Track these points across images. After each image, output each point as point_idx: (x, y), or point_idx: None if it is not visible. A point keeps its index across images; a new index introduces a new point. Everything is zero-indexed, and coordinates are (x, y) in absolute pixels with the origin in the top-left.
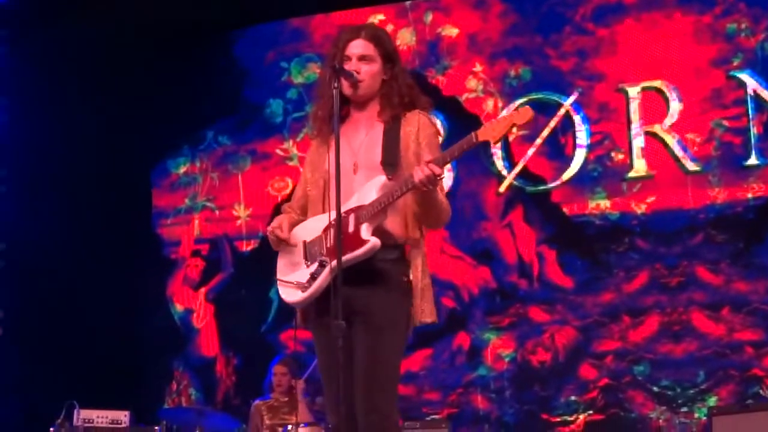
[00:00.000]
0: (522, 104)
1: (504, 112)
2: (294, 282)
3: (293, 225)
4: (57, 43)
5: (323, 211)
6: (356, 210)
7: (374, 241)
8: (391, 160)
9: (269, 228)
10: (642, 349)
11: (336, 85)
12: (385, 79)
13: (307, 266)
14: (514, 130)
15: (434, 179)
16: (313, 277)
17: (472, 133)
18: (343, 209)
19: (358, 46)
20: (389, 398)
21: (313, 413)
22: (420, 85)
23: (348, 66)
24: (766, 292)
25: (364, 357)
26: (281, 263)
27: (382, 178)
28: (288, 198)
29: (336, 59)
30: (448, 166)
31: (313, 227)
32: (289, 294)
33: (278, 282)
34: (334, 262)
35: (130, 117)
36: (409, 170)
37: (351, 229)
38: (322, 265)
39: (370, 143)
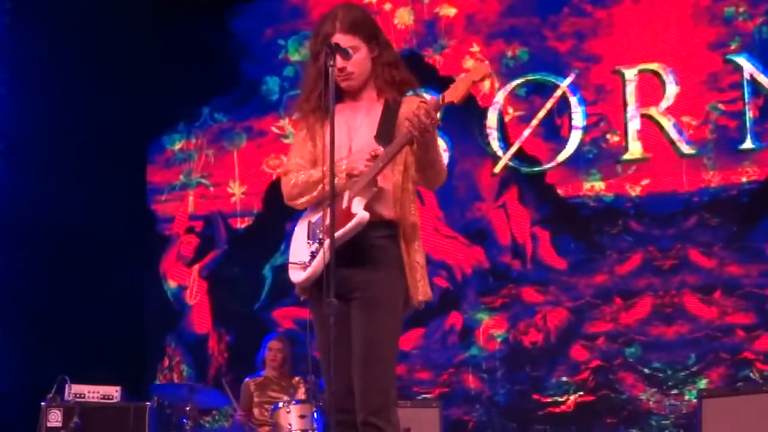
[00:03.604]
0: (518, 85)
1: (498, 97)
2: (298, 262)
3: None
4: (53, 17)
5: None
6: (351, 185)
7: (362, 215)
8: (384, 136)
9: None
10: (634, 331)
11: (332, 63)
12: (374, 57)
13: (309, 245)
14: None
15: (429, 119)
16: (313, 255)
17: (440, 96)
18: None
19: (338, 42)
20: (387, 374)
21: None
22: (417, 64)
23: (337, 64)
24: (759, 275)
25: (362, 333)
26: (292, 246)
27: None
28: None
29: (320, 58)
30: (443, 145)
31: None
32: (294, 275)
33: (289, 264)
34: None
35: (127, 93)
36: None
37: (345, 204)
38: (320, 244)
39: (368, 127)
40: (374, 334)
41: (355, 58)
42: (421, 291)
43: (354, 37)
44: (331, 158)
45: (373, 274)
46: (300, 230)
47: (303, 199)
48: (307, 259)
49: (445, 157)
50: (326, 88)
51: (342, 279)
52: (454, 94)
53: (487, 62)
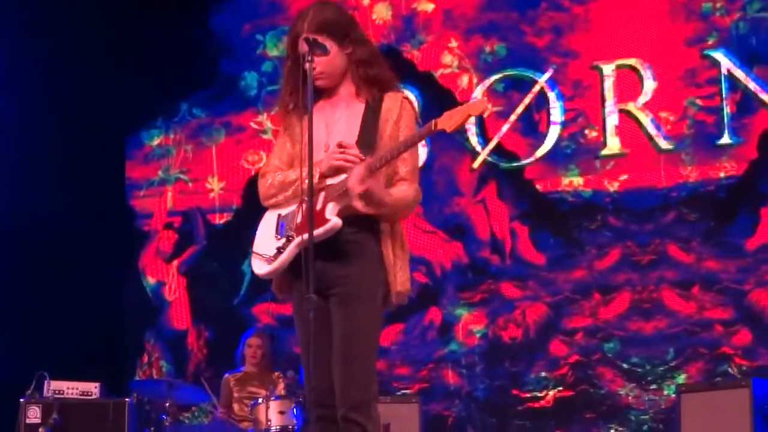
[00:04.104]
0: (496, 80)
1: (477, 93)
2: (263, 254)
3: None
4: (30, 12)
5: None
6: (327, 188)
7: (334, 222)
8: (367, 142)
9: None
10: (612, 326)
11: (310, 58)
12: (348, 54)
13: (277, 239)
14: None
15: (364, 179)
16: (279, 251)
17: (432, 122)
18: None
19: (305, 43)
20: (368, 370)
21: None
22: (395, 60)
23: (306, 66)
24: (737, 270)
25: (341, 329)
26: (258, 235)
27: None
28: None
29: (290, 57)
30: (422, 142)
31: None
32: (258, 266)
33: (252, 253)
34: (299, 239)
35: (105, 88)
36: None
37: (319, 206)
38: (288, 240)
39: (346, 122)
40: (354, 330)
41: (323, 59)
42: (399, 281)
43: (323, 37)
44: (309, 156)
45: (352, 269)
46: (268, 221)
47: (278, 198)
48: (272, 253)
49: (423, 152)
50: (304, 86)
51: (320, 275)
52: (447, 123)
53: (485, 98)
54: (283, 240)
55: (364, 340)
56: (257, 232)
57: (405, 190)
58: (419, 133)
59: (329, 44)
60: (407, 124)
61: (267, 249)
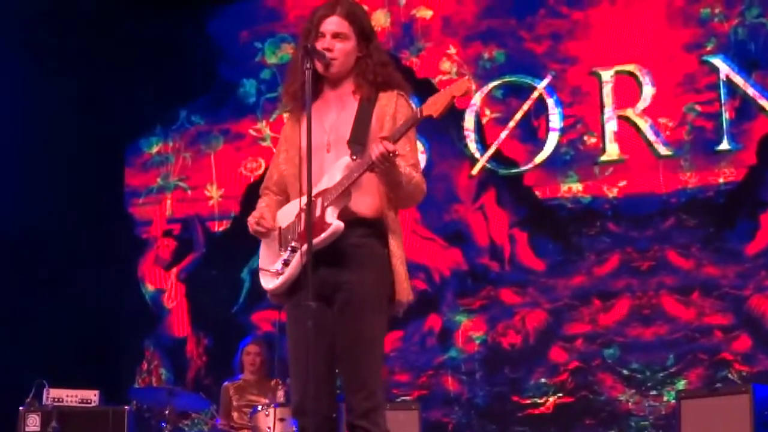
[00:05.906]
0: (495, 87)
1: (475, 100)
2: (270, 270)
3: (278, 206)
4: (28, 18)
5: (299, 191)
6: (323, 193)
7: (336, 225)
8: (358, 140)
9: (251, 222)
10: (612, 332)
11: (308, 65)
12: (359, 56)
13: (282, 252)
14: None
15: (388, 156)
16: (286, 263)
17: (417, 109)
18: (314, 191)
19: (332, 23)
20: (375, 375)
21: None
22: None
23: (321, 43)
24: (736, 276)
25: (347, 335)
26: (262, 252)
27: (347, 159)
28: (261, 178)
29: (309, 38)
30: (420, 147)
31: (289, 212)
32: (267, 282)
33: (260, 271)
34: (304, 248)
35: (104, 96)
36: None
37: (318, 213)
38: (293, 251)
39: (343, 121)
40: (360, 336)
41: (342, 46)
42: (404, 290)
43: (348, 25)
44: (309, 160)
45: (356, 274)
46: (269, 236)
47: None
48: (279, 267)
49: (422, 159)
50: (303, 92)
51: (324, 280)
52: (432, 108)
53: (467, 77)
54: (288, 252)
55: (371, 347)
56: (261, 248)
57: (414, 173)
58: (405, 124)
59: (350, 34)
60: (402, 116)
61: (273, 264)
